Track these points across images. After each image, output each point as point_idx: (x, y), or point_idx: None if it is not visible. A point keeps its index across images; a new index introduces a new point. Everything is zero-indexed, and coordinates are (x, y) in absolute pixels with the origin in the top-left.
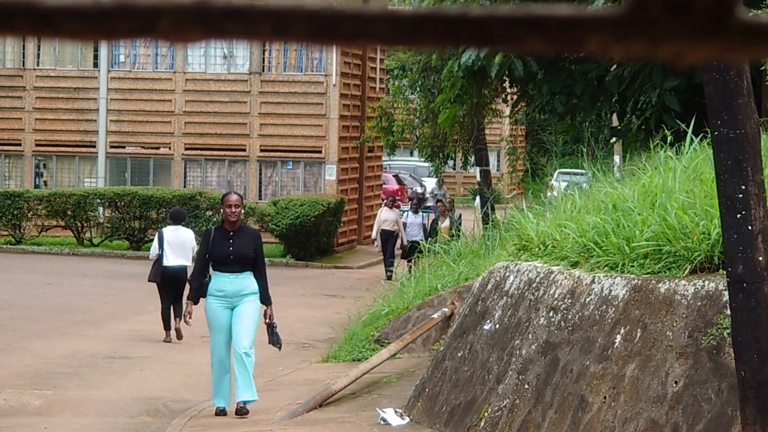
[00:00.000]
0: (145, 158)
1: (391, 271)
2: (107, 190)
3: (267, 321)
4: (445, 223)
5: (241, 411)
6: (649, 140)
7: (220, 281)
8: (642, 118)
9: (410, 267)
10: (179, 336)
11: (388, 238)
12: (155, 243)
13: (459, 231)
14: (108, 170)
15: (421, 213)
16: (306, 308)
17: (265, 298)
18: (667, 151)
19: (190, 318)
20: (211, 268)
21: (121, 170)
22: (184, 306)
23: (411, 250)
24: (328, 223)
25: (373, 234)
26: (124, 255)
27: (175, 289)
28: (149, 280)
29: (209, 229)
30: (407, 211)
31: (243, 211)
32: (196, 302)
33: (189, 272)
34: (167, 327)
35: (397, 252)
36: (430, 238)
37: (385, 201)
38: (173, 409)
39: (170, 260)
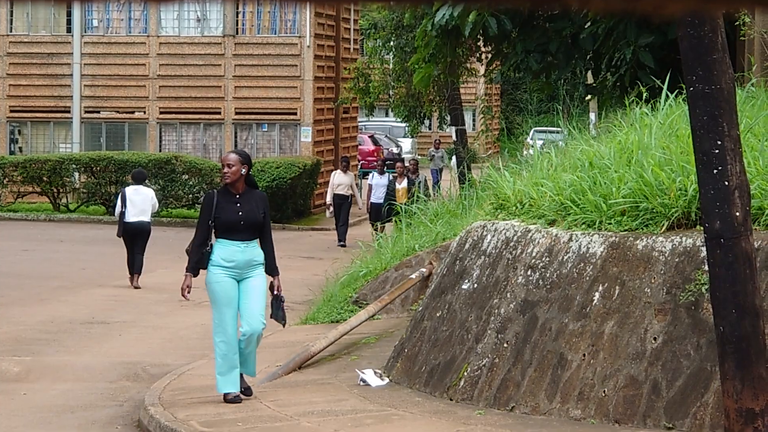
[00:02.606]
0: (120, 123)
1: (344, 239)
2: (83, 155)
3: (275, 293)
4: (402, 184)
5: (248, 392)
6: (624, 97)
7: (229, 251)
8: (617, 75)
9: (384, 229)
10: (137, 287)
11: (342, 203)
12: (118, 202)
13: (426, 192)
14: (83, 135)
15: (387, 174)
16: (284, 270)
17: (272, 269)
18: (643, 107)
19: (188, 293)
20: (213, 237)
21: (96, 135)
22: (144, 263)
23: (388, 212)
24: (304, 185)
25: (327, 199)
26: (100, 220)
27: (137, 243)
28: (117, 236)
29: (211, 193)
30: (374, 171)
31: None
32: (195, 274)
33: (150, 227)
34: (131, 272)
35: (361, 218)
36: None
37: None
38: (152, 373)
39: (131, 217)
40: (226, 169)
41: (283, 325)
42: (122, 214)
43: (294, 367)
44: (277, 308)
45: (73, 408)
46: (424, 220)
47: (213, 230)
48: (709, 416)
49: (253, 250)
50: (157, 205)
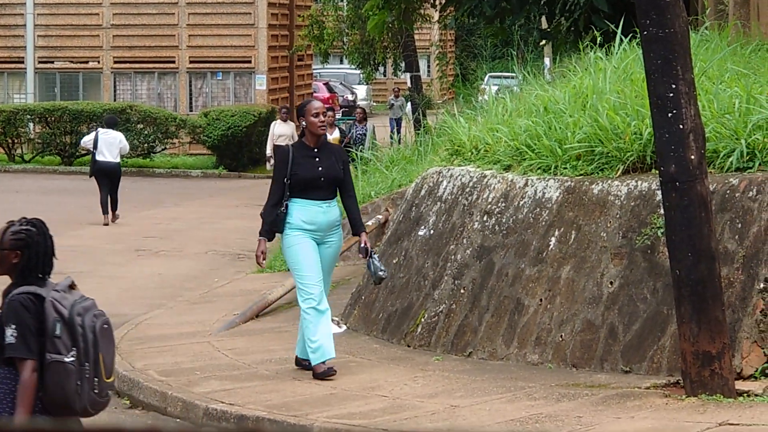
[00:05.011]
0: (74, 73)
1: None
2: (37, 105)
3: (362, 246)
4: (334, 135)
5: (317, 369)
6: (578, 42)
7: (310, 212)
8: (571, 20)
9: None
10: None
11: None
12: (91, 138)
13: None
14: (37, 86)
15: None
16: (240, 219)
17: (358, 226)
18: (597, 52)
19: (264, 260)
20: (287, 195)
21: (51, 85)
22: (110, 202)
23: None
24: (259, 134)
25: (268, 150)
26: (56, 170)
27: (109, 182)
28: (90, 176)
29: (285, 148)
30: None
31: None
32: (270, 239)
33: (120, 168)
34: (105, 212)
35: None
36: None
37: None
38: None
39: (102, 157)
40: (322, 118)
41: (379, 282)
42: (93, 154)
43: (251, 316)
44: (369, 266)
45: None
46: (380, 166)
47: (288, 189)
48: (666, 359)
49: (335, 211)
50: (127, 147)
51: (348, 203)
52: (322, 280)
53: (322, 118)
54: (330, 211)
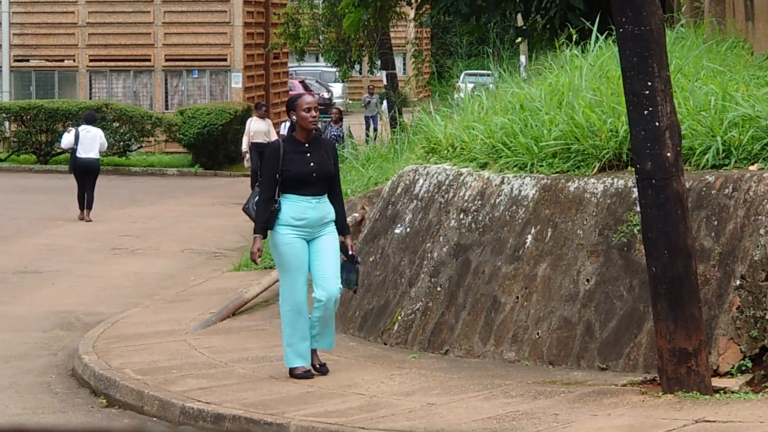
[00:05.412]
0: (49, 71)
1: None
2: (12, 104)
3: (350, 253)
4: None
5: (323, 369)
6: (554, 39)
7: (300, 207)
8: (547, 18)
9: None
10: (88, 221)
11: (261, 152)
12: (71, 137)
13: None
14: (12, 84)
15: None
16: (216, 217)
17: (343, 227)
18: (573, 49)
19: (259, 257)
20: (277, 191)
21: (26, 84)
22: (94, 199)
23: None
24: (235, 132)
25: (243, 146)
26: (31, 169)
27: (87, 179)
28: (69, 172)
29: (276, 143)
30: (285, 122)
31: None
32: (264, 236)
33: (98, 164)
34: (81, 207)
35: None
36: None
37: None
38: (86, 322)
39: (82, 153)
40: (314, 113)
41: (355, 291)
42: (73, 150)
43: (228, 314)
44: (350, 271)
45: (7, 358)
46: (356, 164)
47: (278, 185)
48: (642, 356)
49: (325, 206)
50: (106, 144)
51: (334, 201)
52: (306, 282)
53: (313, 113)
54: (320, 206)
